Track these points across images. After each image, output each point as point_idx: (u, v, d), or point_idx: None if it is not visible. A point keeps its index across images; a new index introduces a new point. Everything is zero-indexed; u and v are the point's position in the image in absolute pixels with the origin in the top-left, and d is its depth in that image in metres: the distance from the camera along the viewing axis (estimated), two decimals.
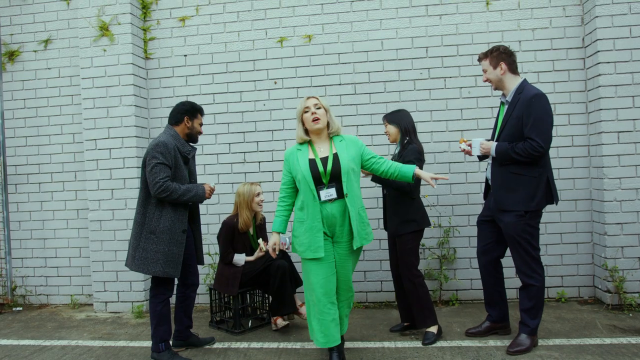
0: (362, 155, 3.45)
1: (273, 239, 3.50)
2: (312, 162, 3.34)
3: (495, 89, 3.75)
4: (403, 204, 3.86)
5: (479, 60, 3.75)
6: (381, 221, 4.85)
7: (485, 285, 3.92)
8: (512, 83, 3.61)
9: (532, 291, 3.57)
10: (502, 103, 3.74)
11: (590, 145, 4.83)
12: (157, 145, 3.55)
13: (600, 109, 4.60)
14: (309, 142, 3.44)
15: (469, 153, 3.74)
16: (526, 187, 3.50)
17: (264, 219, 4.59)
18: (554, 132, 4.79)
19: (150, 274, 3.57)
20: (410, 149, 3.84)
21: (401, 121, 3.95)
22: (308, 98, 3.41)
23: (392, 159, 4.06)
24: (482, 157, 3.83)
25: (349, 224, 3.34)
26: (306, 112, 3.37)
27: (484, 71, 3.70)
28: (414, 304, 3.87)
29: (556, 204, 3.65)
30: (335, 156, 3.35)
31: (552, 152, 4.84)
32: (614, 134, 4.59)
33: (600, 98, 4.60)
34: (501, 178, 3.60)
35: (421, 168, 3.87)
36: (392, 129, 3.98)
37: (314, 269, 3.32)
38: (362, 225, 3.41)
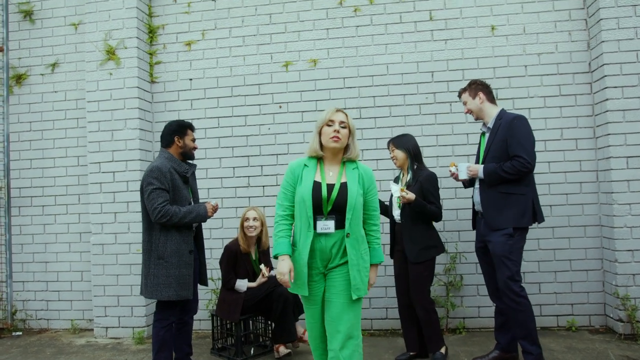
0: (365, 194, 2.91)
1: (285, 265, 2.79)
2: (316, 185, 2.86)
3: (476, 119, 3.91)
4: (420, 231, 3.85)
5: (459, 95, 3.95)
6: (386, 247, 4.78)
7: (497, 308, 3.85)
8: (492, 111, 3.77)
9: (520, 317, 3.53)
10: (482, 134, 3.86)
11: (599, 170, 4.76)
12: (151, 171, 3.53)
13: (609, 134, 4.54)
14: (319, 160, 2.97)
15: (456, 177, 3.82)
16: (516, 205, 3.56)
17: (269, 247, 4.53)
18: (561, 157, 4.81)
19: (165, 298, 3.53)
20: (427, 176, 3.88)
21: (409, 145, 3.96)
22: (337, 111, 2.92)
23: (401, 184, 4.01)
24: (467, 184, 3.95)
25: (346, 258, 2.83)
26: (329, 125, 2.87)
27: (464, 103, 3.89)
28: (427, 330, 3.85)
29: (539, 223, 3.68)
30: (344, 186, 2.86)
31: (560, 177, 4.80)
32: (623, 159, 4.52)
33: (608, 123, 4.55)
34: (490, 199, 3.65)
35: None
36: (400, 154, 3.97)
37: (304, 304, 2.99)
38: (365, 272, 2.85)
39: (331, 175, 2.92)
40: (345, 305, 2.79)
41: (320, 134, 2.91)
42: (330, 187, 2.87)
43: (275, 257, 2.86)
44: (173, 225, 3.53)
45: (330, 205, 2.82)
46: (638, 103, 4.55)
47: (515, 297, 3.52)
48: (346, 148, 2.93)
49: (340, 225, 2.82)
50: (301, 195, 2.84)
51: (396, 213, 3.96)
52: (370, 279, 2.90)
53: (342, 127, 2.87)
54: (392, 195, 4.03)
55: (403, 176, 4.07)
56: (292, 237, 2.95)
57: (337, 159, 2.95)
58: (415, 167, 3.95)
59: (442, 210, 4.06)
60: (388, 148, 4.10)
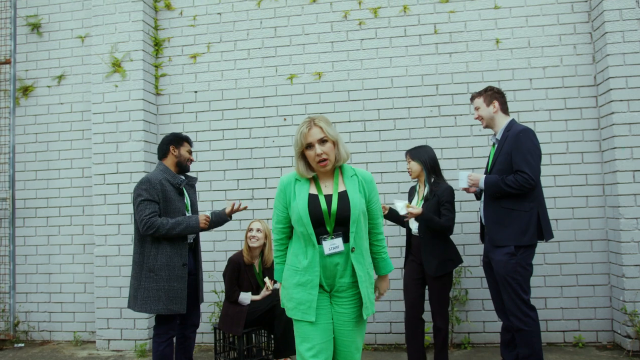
0: (368, 203, 2.67)
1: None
2: (312, 199, 2.57)
3: (486, 127, 3.83)
4: (439, 245, 3.81)
5: (472, 98, 3.85)
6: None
7: (503, 325, 3.79)
8: (502, 122, 3.71)
9: (527, 336, 3.44)
10: (493, 144, 3.80)
11: (605, 184, 4.72)
12: (141, 183, 3.55)
13: (615, 148, 4.51)
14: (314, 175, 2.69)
15: (465, 190, 3.80)
16: (518, 222, 3.48)
17: (272, 263, 4.50)
18: (567, 171, 4.77)
19: (154, 312, 3.50)
20: (444, 189, 3.83)
21: (425, 157, 3.91)
22: (309, 128, 2.56)
23: (418, 198, 3.98)
24: (478, 196, 3.88)
25: (351, 274, 2.59)
26: (308, 148, 2.57)
27: (477, 109, 3.79)
28: (441, 344, 3.82)
29: (546, 240, 3.59)
30: (344, 195, 2.58)
31: (566, 191, 4.76)
32: (629, 173, 4.49)
33: (614, 136, 4.52)
34: (493, 213, 3.60)
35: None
36: (415, 166, 3.94)
37: (302, 331, 2.57)
38: (371, 287, 2.67)
39: (327, 186, 2.64)
40: (357, 332, 2.65)
41: (302, 155, 2.62)
42: (328, 198, 2.59)
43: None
44: (163, 237, 3.51)
45: (333, 219, 2.55)
46: None
47: (522, 317, 3.44)
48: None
49: (344, 239, 2.56)
50: (297, 212, 2.55)
51: (414, 226, 3.92)
52: (381, 288, 2.82)
53: (323, 143, 2.56)
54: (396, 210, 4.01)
55: (420, 188, 4.03)
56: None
57: (330, 171, 2.69)
58: (432, 180, 3.89)
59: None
60: (405, 158, 4.07)
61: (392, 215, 3.95)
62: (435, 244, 3.80)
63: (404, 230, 4.64)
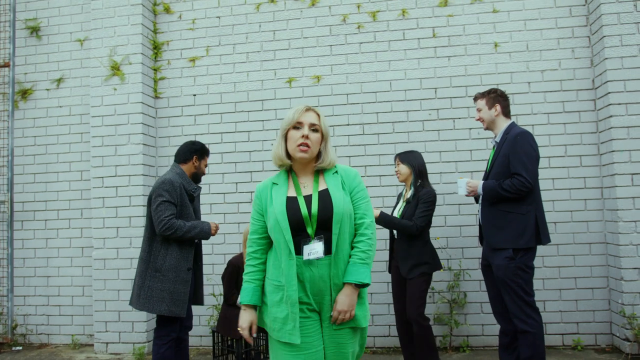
0: (352, 200, 2.37)
1: (245, 318, 2.36)
2: (290, 201, 2.32)
3: (486, 128, 3.83)
4: (415, 247, 3.82)
5: (475, 99, 3.83)
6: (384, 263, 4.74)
7: (501, 329, 3.77)
8: (503, 125, 3.71)
9: (529, 339, 3.43)
10: (493, 147, 3.80)
11: (604, 187, 4.73)
12: (163, 183, 3.55)
13: (613, 151, 4.52)
14: (290, 172, 2.44)
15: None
16: (514, 225, 3.47)
17: None
18: (565, 174, 4.77)
19: (156, 312, 3.51)
20: (425, 192, 3.86)
21: (415, 162, 3.97)
22: (307, 110, 2.36)
23: (402, 201, 4.02)
24: (478, 199, 3.85)
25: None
26: (297, 128, 2.32)
27: (479, 110, 3.79)
28: (423, 349, 3.76)
29: (544, 244, 3.58)
30: (325, 194, 2.32)
31: (564, 194, 4.76)
32: (628, 176, 4.49)
33: (612, 140, 4.52)
34: (490, 216, 3.59)
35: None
36: (404, 169, 3.98)
37: (284, 357, 2.24)
38: (359, 297, 2.31)
39: (306, 187, 2.38)
40: (356, 354, 2.37)
41: (286, 138, 2.37)
42: (308, 199, 2.32)
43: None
44: (177, 238, 3.52)
45: (314, 221, 2.27)
46: None
47: (526, 319, 3.43)
48: (318, 155, 2.40)
49: (326, 244, 2.26)
50: (274, 216, 2.28)
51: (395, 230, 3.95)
52: (337, 304, 2.23)
53: (313, 131, 2.33)
54: (393, 212, 4.02)
55: (406, 192, 4.06)
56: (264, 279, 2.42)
57: (310, 168, 2.41)
58: (418, 184, 3.93)
59: (431, 228, 4.03)
60: (394, 162, 4.10)
61: (383, 220, 3.90)
62: (410, 246, 3.82)
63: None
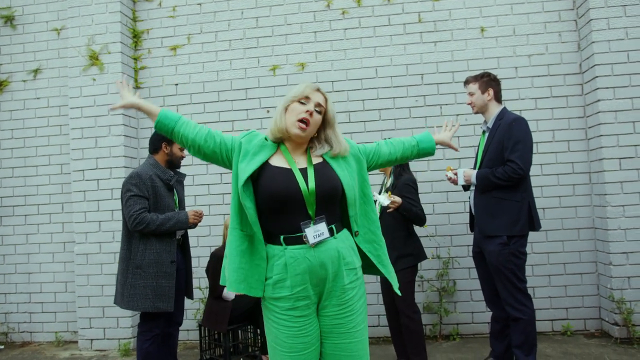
0: (365, 155, 2.36)
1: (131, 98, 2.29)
2: (284, 173, 2.09)
3: (476, 112, 3.74)
4: (400, 238, 3.75)
5: (467, 83, 3.73)
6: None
7: (493, 315, 3.74)
8: (495, 110, 3.64)
9: (522, 325, 3.41)
10: (483, 132, 3.73)
11: (592, 172, 4.70)
12: (130, 177, 3.45)
13: (601, 135, 4.49)
14: (280, 145, 2.22)
15: (454, 182, 3.71)
16: (509, 212, 3.43)
17: None
18: (553, 159, 4.74)
19: (141, 310, 3.42)
20: (404, 180, 3.78)
21: None
22: (316, 89, 2.18)
23: (384, 190, 3.93)
24: (466, 187, 3.80)
25: (345, 274, 2.10)
26: (302, 103, 2.14)
27: (470, 94, 3.69)
28: (412, 339, 3.71)
29: (537, 230, 3.54)
30: (323, 168, 2.14)
31: (552, 180, 4.73)
32: (616, 161, 4.47)
33: (600, 124, 4.49)
34: (484, 204, 3.54)
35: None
36: None
37: (281, 357, 2.10)
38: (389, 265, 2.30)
39: (299, 161, 2.17)
40: (365, 343, 2.16)
41: (286, 111, 2.17)
42: (304, 172, 2.11)
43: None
44: (152, 233, 3.42)
45: (312, 197, 2.06)
46: (630, 104, 4.50)
47: (518, 305, 3.40)
48: (314, 140, 2.23)
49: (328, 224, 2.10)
50: (265, 189, 2.06)
51: None
52: (445, 137, 2.66)
53: (317, 112, 2.16)
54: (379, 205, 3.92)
55: (386, 180, 3.98)
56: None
57: (302, 149, 2.22)
58: (397, 172, 3.86)
59: (427, 215, 3.99)
60: None
61: (404, 208, 3.75)
62: (395, 237, 3.73)
63: None
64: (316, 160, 2.17)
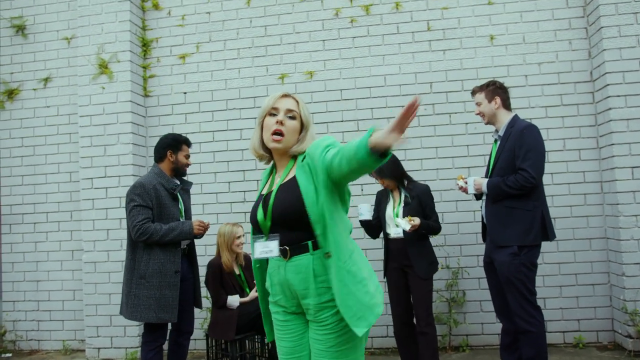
0: (323, 165, 1.90)
1: None
2: (260, 200, 2.13)
3: (487, 123, 3.70)
4: (426, 247, 3.79)
5: (473, 93, 3.71)
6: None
7: (503, 328, 3.67)
8: (505, 118, 3.58)
9: (532, 338, 3.35)
10: (495, 140, 3.69)
11: (603, 181, 4.64)
12: (134, 187, 3.45)
13: (612, 144, 4.43)
14: (272, 163, 2.22)
15: (465, 191, 3.67)
16: (521, 221, 3.38)
17: (246, 258, 4.36)
18: (564, 168, 4.68)
19: (144, 321, 3.41)
20: (424, 190, 3.83)
21: (391, 173, 3.77)
22: (283, 96, 2.12)
23: (397, 203, 3.85)
24: (478, 196, 3.76)
25: (317, 293, 1.95)
26: (272, 115, 2.08)
27: (478, 104, 3.66)
28: (428, 347, 3.67)
29: (551, 240, 3.49)
30: (287, 187, 2.02)
31: (563, 189, 4.68)
32: (628, 170, 4.40)
33: (611, 132, 4.44)
34: (495, 213, 3.48)
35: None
36: (388, 182, 3.84)
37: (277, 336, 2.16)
38: (362, 288, 1.95)
39: (281, 174, 2.13)
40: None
41: (262, 128, 2.12)
42: (268, 195, 2.08)
43: None
44: (156, 243, 3.40)
45: (268, 217, 2.02)
46: None
47: (528, 318, 3.34)
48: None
49: (282, 243, 1.99)
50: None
51: (393, 230, 3.80)
52: (380, 138, 1.72)
53: (290, 118, 2.07)
54: (385, 212, 3.87)
55: (394, 194, 3.89)
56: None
57: (286, 157, 2.14)
58: (406, 183, 3.83)
59: (442, 224, 3.98)
60: (375, 178, 3.90)
61: (424, 227, 3.71)
62: (422, 245, 3.75)
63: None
64: (292, 174, 2.06)
